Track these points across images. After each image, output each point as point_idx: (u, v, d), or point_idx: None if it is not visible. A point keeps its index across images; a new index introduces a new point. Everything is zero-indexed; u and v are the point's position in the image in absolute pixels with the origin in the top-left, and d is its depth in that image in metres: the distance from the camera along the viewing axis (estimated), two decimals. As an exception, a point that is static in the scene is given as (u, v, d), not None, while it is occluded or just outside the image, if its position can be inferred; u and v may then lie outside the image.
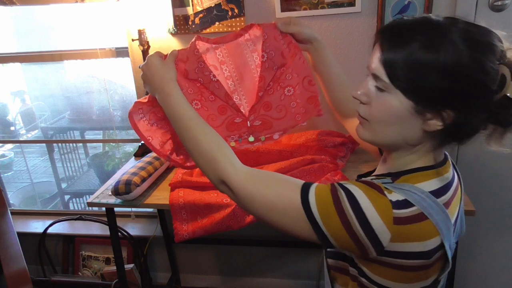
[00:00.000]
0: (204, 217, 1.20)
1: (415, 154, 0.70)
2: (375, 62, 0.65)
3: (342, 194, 0.64)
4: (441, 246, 0.66)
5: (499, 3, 1.32)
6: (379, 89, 0.66)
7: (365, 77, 0.70)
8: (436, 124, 0.64)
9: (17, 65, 2.59)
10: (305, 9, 1.43)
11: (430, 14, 0.66)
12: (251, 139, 0.92)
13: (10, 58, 1.93)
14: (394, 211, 0.62)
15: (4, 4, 1.59)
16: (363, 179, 0.68)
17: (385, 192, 0.63)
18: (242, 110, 0.93)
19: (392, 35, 0.64)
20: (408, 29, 0.63)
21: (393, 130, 0.67)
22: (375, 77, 0.66)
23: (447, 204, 0.69)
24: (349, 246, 0.65)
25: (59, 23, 2.42)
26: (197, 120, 0.78)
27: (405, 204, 0.63)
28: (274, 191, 0.68)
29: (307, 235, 0.66)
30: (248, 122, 0.94)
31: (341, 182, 0.67)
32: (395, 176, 0.70)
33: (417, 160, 0.70)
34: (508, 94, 0.62)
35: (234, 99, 0.93)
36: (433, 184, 0.68)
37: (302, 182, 0.69)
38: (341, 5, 1.40)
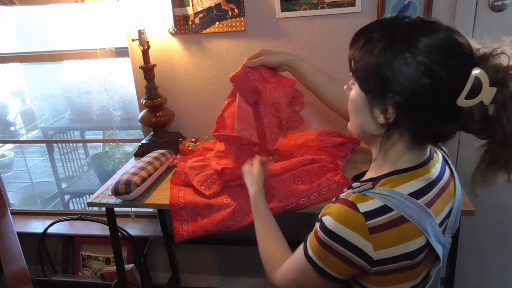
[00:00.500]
0: (204, 217, 1.20)
1: (391, 155, 0.72)
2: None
3: (319, 231, 0.70)
4: (427, 245, 0.69)
5: (499, 3, 1.32)
6: (352, 82, 0.74)
7: None
8: (382, 118, 0.68)
9: (17, 65, 2.59)
10: (305, 9, 1.43)
11: (403, 15, 0.68)
12: (270, 158, 1.16)
13: (10, 58, 1.93)
14: (368, 222, 0.66)
15: (4, 4, 1.59)
16: (342, 196, 0.72)
17: (358, 205, 0.67)
18: (254, 140, 1.14)
19: (356, 34, 0.71)
20: (367, 28, 0.69)
21: (356, 119, 0.75)
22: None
23: (429, 204, 0.71)
24: (348, 271, 0.70)
25: (59, 23, 2.42)
26: (269, 229, 0.95)
27: (383, 210, 0.66)
28: (298, 276, 0.78)
29: (319, 283, 0.74)
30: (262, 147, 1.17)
31: (321, 215, 0.72)
32: (375, 180, 0.73)
33: (394, 162, 0.72)
34: (483, 101, 0.62)
35: (243, 135, 1.14)
36: (412, 185, 0.70)
37: (302, 249, 0.76)
38: (341, 5, 1.41)
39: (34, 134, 2.76)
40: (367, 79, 0.68)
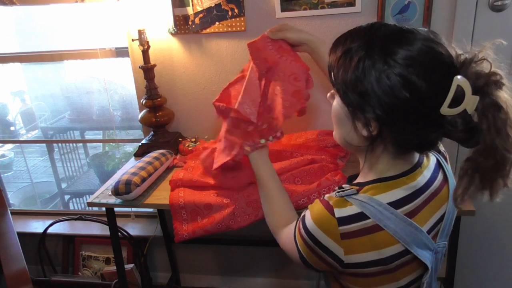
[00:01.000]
0: (204, 217, 1.20)
1: (376, 164, 0.73)
2: None
3: (302, 229, 0.74)
4: (406, 252, 0.70)
5: (499, 3, 1.32)
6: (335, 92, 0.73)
7: None
8: (364, 131, 0.68)
9: (17, 65, 2.59)
10: (305, 9, 1.43)
11: (380, 22, 0.68)
12: (263, 141, 1.02)
13: (10, 58, 1.93)
14: (340, 228, 0.68)
15: (4, 4, 1.59)
16: (325, 198, 0.74)
17: (335, 210, 0.69)
18: (253, 120, 1.04)
19: (336, 42, 0.70)
20: (345, 37, 0.68)
21: (338, 131, 0.76)
22: None
23: (413, 213, 0.71)
24: (321, 265, 0.74)
25: (59, 23, 2.42)
26: (273, 189, 0.96)
27: (359, 217, 0.68)
28: (290, 246, 0.81)
29: (301, 264, 0.79)
30: (258, 128, 1.07)
31: (308, 207, 0.76)
32: (361, 185, 0.73)
33: (379, 170, 0.73)
34: (466, 109, 0.61)
35: (243, 111, 1.04)
36: (393, 194, 0.70)
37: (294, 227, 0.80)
38: (341, 5, 1.40)
39: (34, 134, 2.76)
40: (346, 93, 0.67)
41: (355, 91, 0.65)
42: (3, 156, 2.89)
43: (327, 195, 0.75)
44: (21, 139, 2.73)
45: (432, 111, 0.62)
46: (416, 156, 0.75)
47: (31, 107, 2.77)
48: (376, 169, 0.73)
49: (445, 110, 0.61)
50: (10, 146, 3.01)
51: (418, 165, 0.75)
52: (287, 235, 0.84)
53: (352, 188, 0.72)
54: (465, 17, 1.34)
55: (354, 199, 0.70)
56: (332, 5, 1.41)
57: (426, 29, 0.65)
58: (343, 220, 0.68)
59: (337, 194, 0.72)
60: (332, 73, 0.69)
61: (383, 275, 0.72)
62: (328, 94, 0.77)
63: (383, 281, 0.73)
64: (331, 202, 0.71)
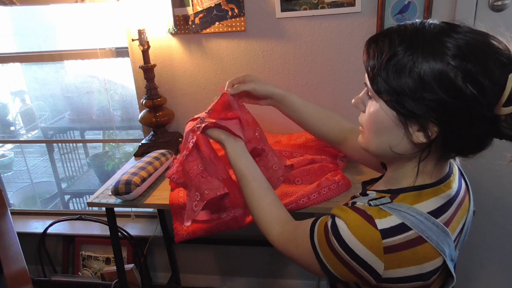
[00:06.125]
0: (204, 217, 1.20)
1: (413, 170, 0.67)
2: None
3: (329, 231, 0.66)
4: (443, 265, 0.65)
5: (499, 3, 1.32)
6: (369, 96, 0.67)
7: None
8: (421, 137, 0.62)
9: (17, 65, 2.59)
10: (305, 9, 1.43)
11: (425, 20, 0.63)
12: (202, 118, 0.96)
13: (10, 58, 1.93)
14: (384, 241, 0.62)
15: (4, 4, 1.59)
16: (358, 205, 0.67)
17: (376, 221, 0.63)
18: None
19: (376, 43, 0.63)
20: (385, 40, 0.62)
21: (380, 139, 0.67)
22: (365, 84, 0.66)
23: (448, 222, 0.67)
24: (351, 278, 0.67)
25: (59, 23, 2.42)
26: (258, 184, 0.86)
27: (401, 228, 0.62)
28: (297, 249, 0.75)
29: (319, 272, 0.70)
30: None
31: (335, 214, 0.67)
32: (394, 193, 0.68)
33: (415, 176, 0.67)
34: None
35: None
36: (432, 203, 0.66)
37: (310, 223, 0.73)
38: (341, 5, 1.40)
39: (34, 134, 2.76)
40: (400, 101, 0.60)
41: (412, 96, 0.59)
42: (3, 156, 2.89)
43: (358, 204, 0.68)
44: (21, 139, 2.73)
45: (490, 109, 0.58)
46: (448, 163, 0.71)
47: (31, 107, 2.77)
48: (413, 175, 0.67)
49: (500, 109, 0.57)
50: (10, 146, 3.01)
51: (451, 172, 0.71)
52: (292, 238, 0.77)
53: (384, 196, 0.67)
54: (465, 17, 1.34)
55: (392, 209, 0.64)
56: (332, 5, 1.41)
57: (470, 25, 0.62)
58: (386, 233, 0.62)
59: (371, 203, 0.66)
60: (378, 82, 0.62)
61: None
62: (356, 101, 0.70)
63: None
64: (369, 212, 0.64)
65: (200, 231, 1.19)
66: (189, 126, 0.95)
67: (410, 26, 0.62)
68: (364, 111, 0.69)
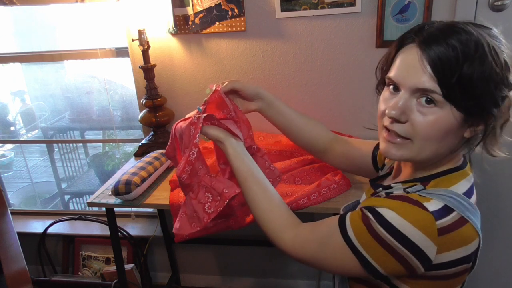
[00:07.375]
0: (204, 217, 1.19)
1: (444, 158, 0.69)
2: (420, 77, 0.62)
3: (373, 221, 0.64)
4: (479, 246, 0.66)
5: (499, 3, 1.32)
6: (426, 105, 0.62)
7: (389, 94, 0.68)
8: (478, 129, 0.65)
9: (17, 65, 2.59)
10: (305, 9, 1.43)
11: (458, 21, 0.64)
12: (199, 109, 0.96)
13: (10, 58, 1.93)
14: (437, 222, 0.61)
15: (4, 4, 1.59)
16: (396, 194, 0.67)
17: (424, 204, 0.62)
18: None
19: (439, 51, 0.60)
20: (452, 44, 0.60)
21: (441, 144, 0.65)
22: (424, 92, 0.62)
23: (476, 204, 0.69)
24: (397, 269, 0.64)
25: (59, 23, 2.42)
26: (263, 186, 0.82)
27: (445, 211, 0.62)
28: (321, 248, 0.71)
29: (356, 270, 0.67)
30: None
31: (372, 206, 0.66)
32: (423, 180, 0.68)
33: (446, 162, 0.69)
34: None
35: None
36: (464, 185, 0.67)
37: (337, 219, 0.70)
38: (341, 5, 1.40)
39: (34, 134, 2.76)
40: (481, 104, 0.61)
41: (496, 95, 0.62)
42: (3, 156, 2.89)
43: (396, 193, 0.68)
44: (21, 139, 2.73)
45: None
46: None
47: (31, 107, 2.76)
48: (441, 162, 0.69)
49: None
50: (10, 146, 3.01)
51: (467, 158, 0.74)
52: (313, 238, 0.73)
53: (416, 184, 0.68)
54: (465, 17, 1.34)
55: (430, 193, 0.64)
56: (332, 5, 1.41)
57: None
58: (437, 214, 0.61)
59: (408, 190, 0.66)
60: (450, 85, 0.60)
61: (459, 277, 0.67)
62: (398, 111, 0.64)
63: (453, 285, 0.69)
64: (414, 198, 0.63)
65: (200, 231, 1.19)
66: (180, 126, 0.90)
67: (458, 30, 0.62)
68: (404, 122, 0.65)
